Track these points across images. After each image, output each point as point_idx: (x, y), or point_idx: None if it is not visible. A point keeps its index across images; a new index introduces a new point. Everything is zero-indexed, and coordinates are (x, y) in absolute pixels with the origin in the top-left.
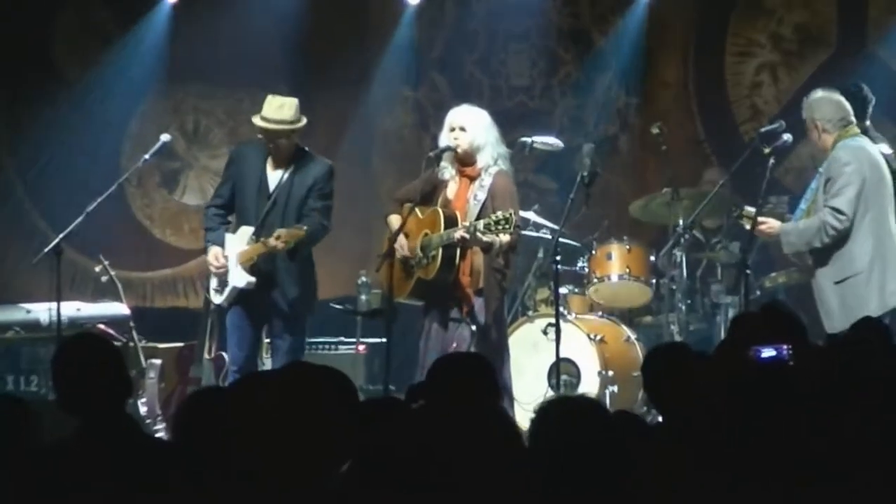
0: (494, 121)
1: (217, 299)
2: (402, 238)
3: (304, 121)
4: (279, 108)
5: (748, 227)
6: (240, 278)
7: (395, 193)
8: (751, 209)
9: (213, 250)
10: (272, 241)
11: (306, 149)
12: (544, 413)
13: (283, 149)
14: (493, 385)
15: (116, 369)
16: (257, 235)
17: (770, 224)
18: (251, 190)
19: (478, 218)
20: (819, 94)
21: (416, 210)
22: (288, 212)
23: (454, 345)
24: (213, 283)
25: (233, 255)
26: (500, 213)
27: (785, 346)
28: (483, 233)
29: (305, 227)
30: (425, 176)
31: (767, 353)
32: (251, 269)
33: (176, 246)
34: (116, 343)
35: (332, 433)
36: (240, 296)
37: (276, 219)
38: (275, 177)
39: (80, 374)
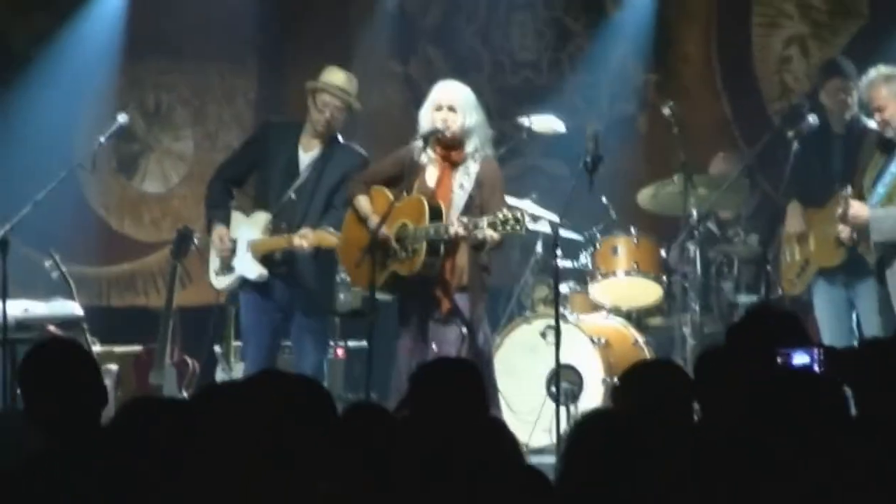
0: (498, 99)
1: (218, 283)
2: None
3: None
4: (348, 80)
5: (840, 209)
6: (250, 269)
7: (360, 174)
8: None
9: (219, 230)
10: (297, 241)
11: (340, 138)
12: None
13: (333, 128)
14: (484, 393)
15: (91, 376)
16: (276, 224)
17: (856, 208)
18: (277, 170)
19: (465, 210)
20: None
21: (390, 194)
22: (315, 200)
23: (435, 348)
24: (214, 263)
25: (243, 241)
26: (507, 213)
27: (816, 350)
28: (484, 231)
29: (338, 234)
30: (399, 155)
31: (800, 358)
32: (264, 261)
33: (135, 238)
34: None
35: (304, 447)
36: (252, 291)
37: (301, 206)
38: (306, 158)
39: (50, 381)
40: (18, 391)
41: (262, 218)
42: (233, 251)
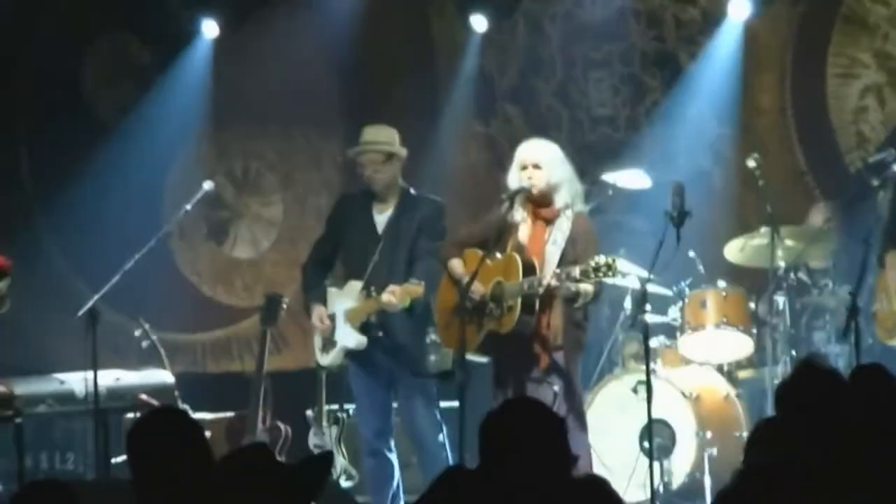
0: (577, 156)
1: (324, 360)
2: (475, 285)
3: (404, 151)
4: (375, 132)
5: None
6: (350, 338)
7: (455, 237)
8: None
9: (317, 310)
10: (385, 298)
11: (412, 190)
12: None
13: (383, 181)
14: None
15: (198, 442)
16: (367, 289)
17: None
18: (357, 237)
19: (559, 266)
20: None
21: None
22: (397, 256)
23: None
24: (318, 342)
25: (340, 313)
26: (599, 260)
27: None
28: (577, 280)
29: (422, 282)
30: (491, 218)
31: None
32: (362, 328)
33: (228, 304)
34: None
35: None
36: (358, 357)
37: (385, 266)
38: (381, 219)
39: (162, 449)
40: (112, 459)
41: (354, 287)
42: (333, 327)
